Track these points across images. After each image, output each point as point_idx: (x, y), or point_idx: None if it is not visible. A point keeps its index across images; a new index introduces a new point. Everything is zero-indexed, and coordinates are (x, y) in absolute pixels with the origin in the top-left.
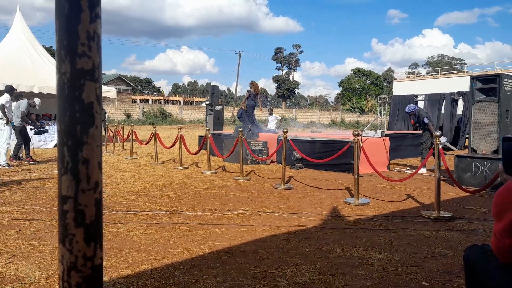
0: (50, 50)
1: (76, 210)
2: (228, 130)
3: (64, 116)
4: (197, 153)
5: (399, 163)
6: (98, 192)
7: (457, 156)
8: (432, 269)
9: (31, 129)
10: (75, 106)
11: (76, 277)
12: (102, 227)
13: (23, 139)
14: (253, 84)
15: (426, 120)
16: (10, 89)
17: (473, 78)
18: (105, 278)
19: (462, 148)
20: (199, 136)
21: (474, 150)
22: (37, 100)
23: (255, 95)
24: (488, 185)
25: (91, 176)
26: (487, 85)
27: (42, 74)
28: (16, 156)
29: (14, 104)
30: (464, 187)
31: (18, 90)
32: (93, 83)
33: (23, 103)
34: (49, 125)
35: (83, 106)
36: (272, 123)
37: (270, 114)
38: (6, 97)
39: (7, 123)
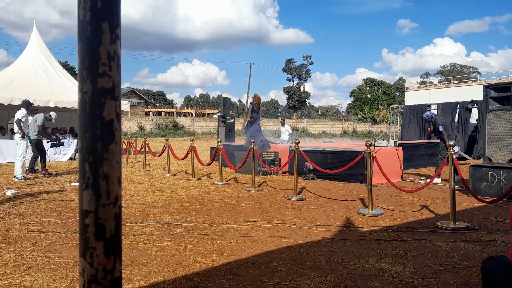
0: (65, 65)
1: (97, 224)
2: (239, 141)
3: (85, 133)
4: (209, 164)
5: (413, 172)
6: (118, 207)
7: (472, 165)
8: (449, 281)
9: (47, 142)
10: (96, 124)
11: None
12: (121, 241)
13: (39, 152)
14: (255, 96)
15: (441, 129)
16: (26, 104)
17: (487, 87)
18: None
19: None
20: (211, 147)
21: (490, 160)
22: (53, 114)
23: (258, 107)
24: (505, 195)
25: (111, 191)
26: (501, 93)
27: (57, 89)
28: (32, 169)
29: (30, 118)
30: (480, 197)
31: (35, 104)
32: (113, 101)
33: (40, 117)
34: (64, 138)
35: (104, 124)
36: (285, 134)
37: (283, 125)
38: (22, 111)
39: (23, 137)
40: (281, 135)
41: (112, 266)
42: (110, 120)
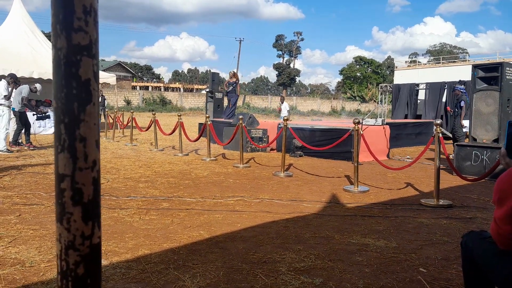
0: (49, 36)
1: (74, 188)
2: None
3: (60, 93)
4: (196, 140)
5: (400, 151)
6: (96, 171)
7: (457, 144)
8: (430, 256)
9: (33, 115)
10: (71, 83)
11: (74, 256)
12: (100, 207)
13: (23, 125)
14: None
15: (462, 104)
16: (13, 78)
17: (475, 67)
18: (105, 262)
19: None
20: (199, 123)
21: (475, 139)
22: (38, 86)
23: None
24: (487, 174)
25: (88, 155)
26: (489, 73)
27: (42, 60)
28: (15, 142)
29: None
30: (463, 175)
31: (18, 75)
32: (90, 59)
33: (25, 88)
34: (48, 112)
35: (80, 83)
36: (284, 111)
37: (282, 102)
38: (3, 83)
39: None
40: (281, 112)
41: (90, 232)
42: (87, 79)
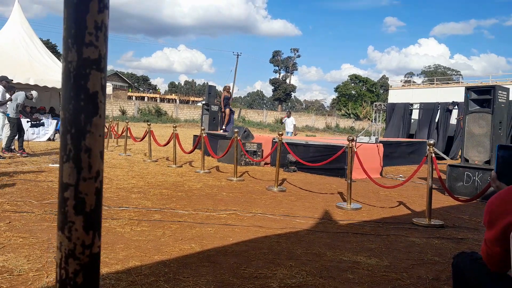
0: (47, 43)
1: (77, 198)
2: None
3: (68, 104)
4: (191, 152)
5: (392, 170)
6: (99, 182)
7: (449, 165)
8: (421, 276)
9: (27, 121)
10: (80, 95)
11: (74, 265)
12: (101, 217)
13: (17, 131)
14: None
15: None
16: (3, 79)
17: (468, 89)
18: None
19: (458, 158)
20: (194, 135)
21: (467, 160)
22: (34, 93)
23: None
24: (479, 195)
25: (92, 165)
26: (482, 96)
27: (38, 67)
28: (8, 148)
29: (7, 95)
30: (455, 196)
31: (14, 81)
32: (99, 73)
33: (21, 95)
34: (43, 119)
35: (88, 95)
36: (290, 126)
37: (289, 116)
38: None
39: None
40: (287, 127)
41: (91, 241)
42: (94, 92)
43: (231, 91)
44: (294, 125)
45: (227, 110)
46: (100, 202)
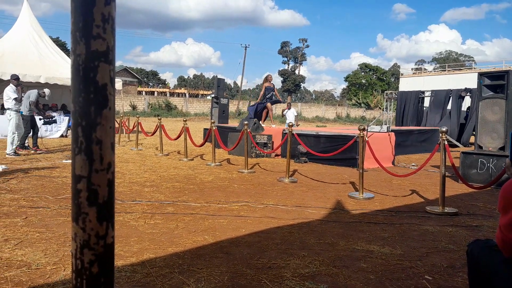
0: (56, 41)
1: (89, 189)
2: (233, 123)
3: (78, 97)
4: (202, 145)
5: (404, 158)
6: (111, 173)
7: (463, 152)
8: (435, 264)
9: (40, 119)
10: (89, 87)
11: (89, 255)
12: (114, 207)
13: (31, 129)
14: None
15: None
16: (15, 79)
17: (481, 75)
18: None
19: (469, 145)
20: (204, 128)
21: (480, 147)
22: (47, 91)
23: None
24: (493, 182)
25: (104, 157)
26: (495, 81)
27: (48, 65)
28: (22, 145)
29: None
30: (469, 183)
31: (25, 80)
32: (107, 65)
33: (33, 93)
34: (55, 116)
35: (97, 88)
36: (291, 117)
37: (289, 108)
38: (11, 87)
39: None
40: (288, 118)
41: (104, 232)
42: (103, 84)
43: (266, 81)
44: (296, 115)
45: (268, 105)
46: (112, 193)
